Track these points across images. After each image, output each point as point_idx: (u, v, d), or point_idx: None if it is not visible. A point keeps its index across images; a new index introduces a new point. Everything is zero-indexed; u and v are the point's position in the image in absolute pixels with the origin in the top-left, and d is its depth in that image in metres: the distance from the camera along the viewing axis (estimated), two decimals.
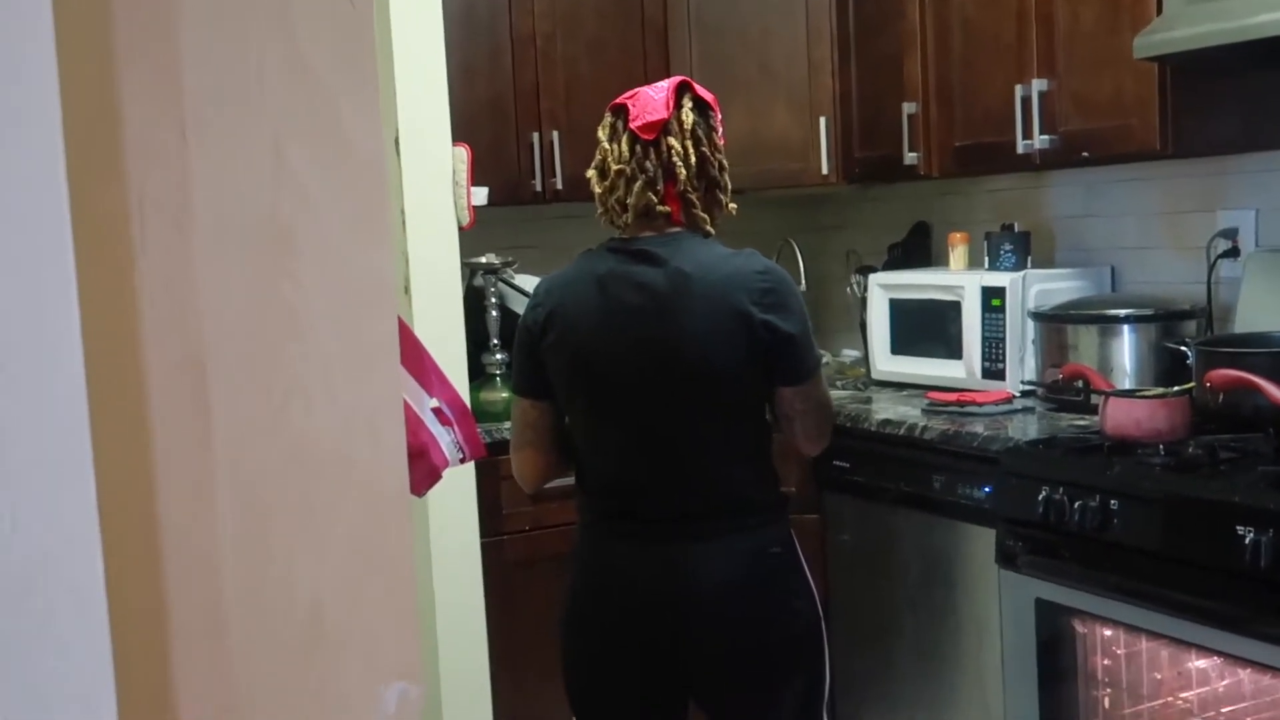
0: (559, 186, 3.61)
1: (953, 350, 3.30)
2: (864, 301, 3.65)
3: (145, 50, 0.83)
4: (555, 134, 3.60)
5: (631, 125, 2.18)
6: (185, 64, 0.85)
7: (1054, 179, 3.49)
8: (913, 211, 3.96)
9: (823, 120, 3.66)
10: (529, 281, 3.62)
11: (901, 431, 2.97)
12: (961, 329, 3.26)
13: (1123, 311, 2.93)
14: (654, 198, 2.16)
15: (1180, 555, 2.20)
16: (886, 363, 3.53)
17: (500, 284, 3.44)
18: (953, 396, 3.10)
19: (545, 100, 3.62)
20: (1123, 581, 2.29)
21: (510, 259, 3.46)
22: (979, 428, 2.82)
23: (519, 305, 3.50)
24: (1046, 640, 2.51)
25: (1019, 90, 3.02)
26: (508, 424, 3.25)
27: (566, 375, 2.21)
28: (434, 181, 3.07)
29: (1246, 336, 2.70)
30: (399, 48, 2.99)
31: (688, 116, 2.17)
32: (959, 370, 3.27)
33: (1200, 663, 2.27)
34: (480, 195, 3.19)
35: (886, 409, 3.17)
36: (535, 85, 3.61)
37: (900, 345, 3.49)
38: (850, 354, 4.08)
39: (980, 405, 3.02)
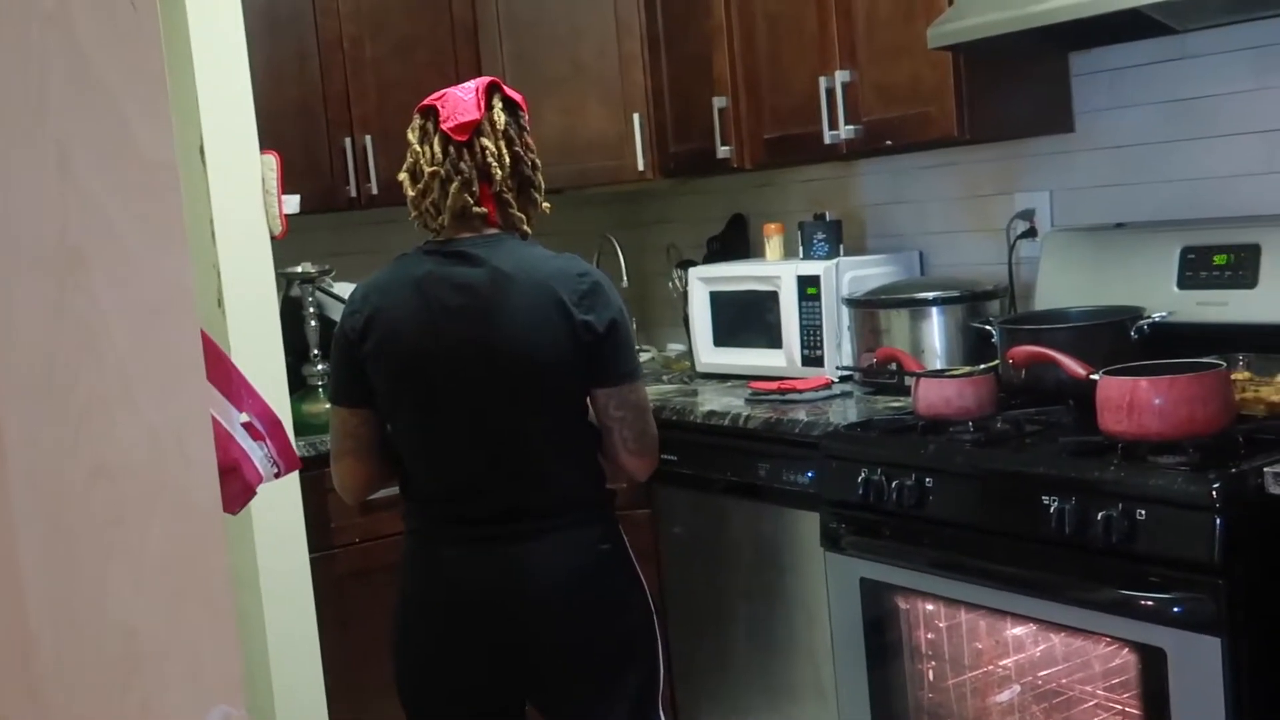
0: (374, 191, 3.56)
1: (773, 339, 3.36)
2: (686, 295, 3.70)
3: None
4: (368, 138, 3.55)
5: (443, 126, 2.16)
6: None
7: (863, 167, 3.58)
8: (729, 204, 4.03)
9: (636, 116, 3.69)
10: (348, 289, 3.53)
11: (726, 422, 3.02)
12: (780, 318, 3.33)
13: (930, 294, 3.03)
14: (470, 199, 2.15)
15: (992, 527, 2.29)
16: (710, 355, 3.58)
17: (318, 293, 3.38)
18: (774, 385, 3.16)
19: (356, 104, 3.57)
20: (941, 556, 2.37)
21: (327, 267, 3.40)
22: (800, 414, 2.89)
23: (339, 314, 3.43)
24: (872, 618, 2.58)
25: (823, 81, 3.10)
26: None
27: (389, 381, 2.18)
28: (242, 191, 3.00)
29: (1046, 313, 2.82)
30: (199, 53, 2.91)
31: (499, 116, 2.17)
32: (779, 359, 3.34)
33: (1016, 630, 2.36)
34: (292, 203, 3.12)
35: (712, 400, 3.22)
36: (345, 89, 3.55)
37: (722, 337, 3.55)
38: (675, 348, 4.13)
39: (801, 392, 3.09)
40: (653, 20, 3.68)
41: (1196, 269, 2.67)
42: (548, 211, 2.27)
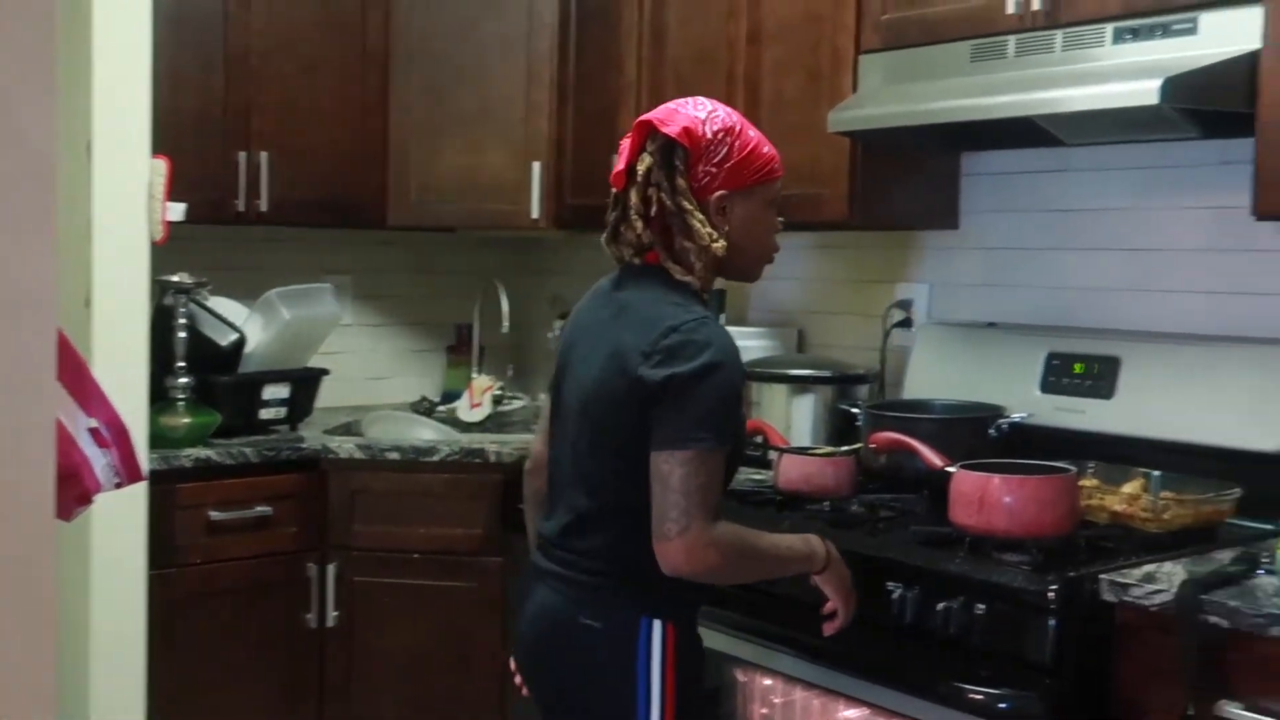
0: (264, 209, 3.52)
1: None
2: None
3: None
4: (264, 154, 3.51)
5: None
6: None
7: None
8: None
9: (536, 165, 3.70)
10: (224, 304, 3.50)
11: None
12: None
13: (802, 372, 3.08)
14: (618, 251, 2.09)
15: None
16: None
17: (192, 305, 3.31)
18: None
19: (256, 119, 3.53)
20: (782, 632, 2.38)
21: (205, 280, 3.34)
22: None
23: (210, 329, 3.38)
24: (711, 688, 2.57)
25: None
26: (187, 452, 3.15)
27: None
28: (127, 192, 2.93)
29: (912, 402, 2.88)
30: (100, 50, 2.86)
31: (644, 162, 2.04)
32: None
33: (849, 713, 2.38)
34: (177, 211, 3.06)
35: None
36: (246, 102, 3.52)
37: None
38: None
39: None
40: (564, 71, 3.70)
41: (1059, 375, 2.75)
42: (719, 251, 2.04)
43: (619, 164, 2.06)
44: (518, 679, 2.24)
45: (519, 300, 4.14)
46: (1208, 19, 2.28)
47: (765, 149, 2.09)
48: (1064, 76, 2.44)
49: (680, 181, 2.01)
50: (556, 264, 4.34)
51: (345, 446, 3.36)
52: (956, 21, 2.66)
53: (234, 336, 3.41)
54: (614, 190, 2.07)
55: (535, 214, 3.71)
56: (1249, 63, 2.21)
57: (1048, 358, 2.78)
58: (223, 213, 3.49)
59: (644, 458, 1.96)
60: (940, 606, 2.10)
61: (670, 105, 2.09)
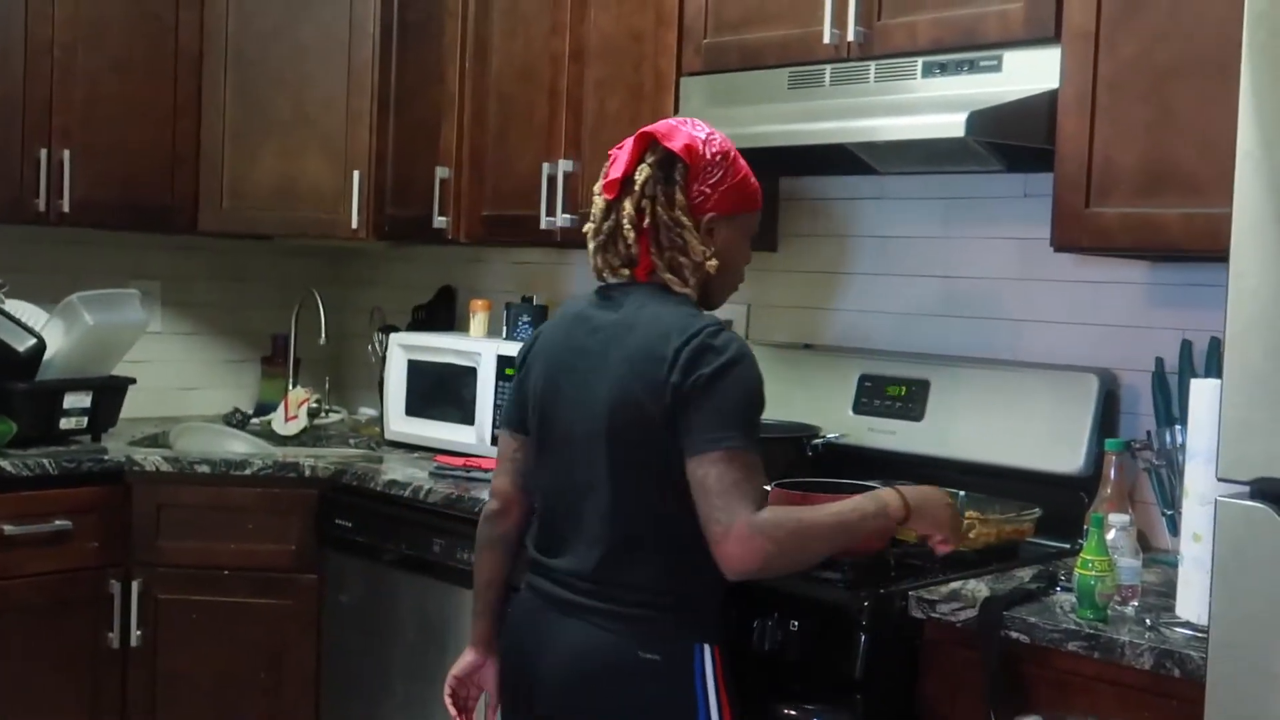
0: (66, 209, 3.39)
1: (466, 415, 3.35)
2: (384, 360, 3.65)
3: None
4: (66, 152, 3.38)
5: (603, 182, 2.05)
6: None
7: (576, 256, 3.63)
8: (440, 275, 4.01)
9: (356, 174, 3.64)
10: (21, 308, 3.34)
11: (407, 493, 2.98)
12: (476, 395, 3.33)
13: None
14: (602, 263, 2.06)
15: None
16: (400, 423, 3.54)
17: None
18: (460, 461, 3.15)
19: (59, 115, 3.40)
20: None
21: (1, 281, 3.19)
22: (482, 493, 2.86)
23: (6, 333, 3.22)
24: None
25: (546, 168, 3.15)
26: None
27: (530, 414, 2.10)
28: None
29: None
30: None
31: (642, 173, 2.00)
32: (470, 435, 3.33)
33: None
34: None
35: (396, 470, 3.17)
36: (49, 96, 3.38)
37: (415, 407, 3.51)
38: (367, 412, 4.06)
39: (486, 471, 3.08)
40: (385, 81, 3.65)
41: (871, 396, 2.83)
42: (711, 271, 2.02)
43: (614, 172, 2.03)
44: None
45: (337, 311, 4.07)
46: (1011, 57, 2.38)
47: (754, 180, 2.11)
48: (876, 106, 2.52)
49: (679, 196, 2.00)
50: (376, 275, 4.27)
51: (151, 459, 3.24)
52: (775, 49, 2.71)
53: (32, 342, 3.26)
54: (605, 199, 2.04)
55: (355, 224, 3.65)
56: (1049, 100, 2.31)
57: (861, 379, 2.85)
58: (22, 211, 3.36)
59: (677, 478, 1.91)
60: (755, 623, 2.14)
61: (670, 121, 2.07)
